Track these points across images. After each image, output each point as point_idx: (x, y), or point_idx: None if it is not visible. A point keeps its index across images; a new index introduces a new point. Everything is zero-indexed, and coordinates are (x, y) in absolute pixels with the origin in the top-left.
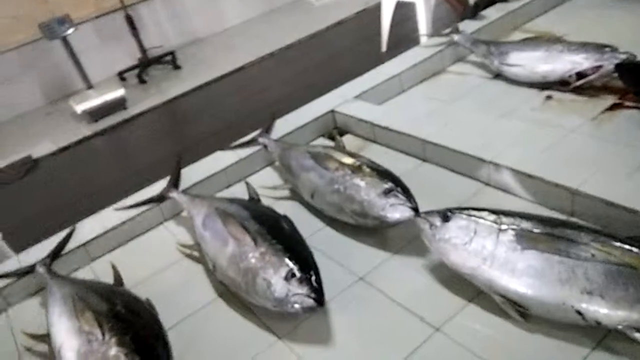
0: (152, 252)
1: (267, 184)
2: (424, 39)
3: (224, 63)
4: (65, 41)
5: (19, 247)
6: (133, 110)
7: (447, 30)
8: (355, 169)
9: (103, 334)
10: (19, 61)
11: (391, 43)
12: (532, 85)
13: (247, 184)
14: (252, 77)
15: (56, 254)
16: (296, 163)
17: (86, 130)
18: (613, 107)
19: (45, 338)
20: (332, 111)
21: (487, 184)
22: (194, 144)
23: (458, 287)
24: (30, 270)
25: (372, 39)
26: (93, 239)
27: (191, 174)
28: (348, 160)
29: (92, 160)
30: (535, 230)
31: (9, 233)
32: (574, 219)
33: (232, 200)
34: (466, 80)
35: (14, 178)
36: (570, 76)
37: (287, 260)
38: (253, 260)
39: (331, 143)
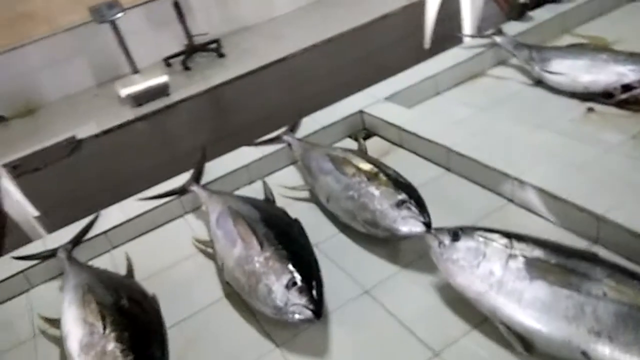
0: (169, 245)
1: (288, 183)
2: (466, 39)
3: (268, 53)
4: (113, 25)
5: (55, 227)
6: (175, 96)
7: (490, 31)
8: (372, 176)
9: (104, 328)
10: (71, 42)
11: (435, 40)
12: (574, 95)
13: (264, 183)
14: (292, 69)
15: (78, 240)
16: (316, 165)
17: (129, 114)
18: None
19: (58, 323)
20: (361, 112)
21: (511, 201)
22: (230, 134)
23: (464, 311)
24: (52, 254)
25: (416, 35)
26: (114, 227)
27: (215, 168)
28: (366, 166)
29: (132, 144)
30: (547, 260)
31: (49, 212)
32: (596, 248)
33: (246, 200)
34: (505, 86)
35: (59, 157)
36: (615, 88)
37: (290, 268)
38: (257, 265)
39: (356, 145)
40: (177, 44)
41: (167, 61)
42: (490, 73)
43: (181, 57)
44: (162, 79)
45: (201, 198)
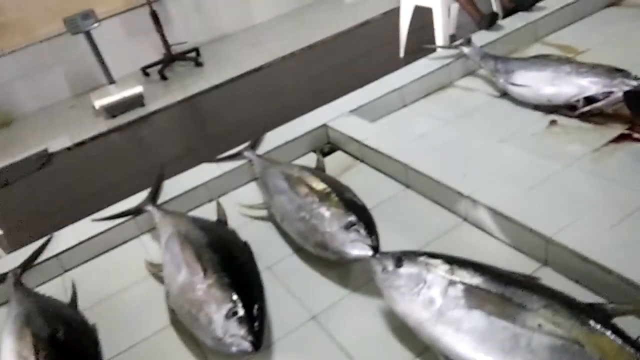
0: (122, 268)
1: (249, 200)
2: (438, 50)
3: (245, 62)
4: (89, 35)
5: (17, 245)
6: (151, 107)
7: (459, 42)
8: (324, 197)
9: None
10: (48, 53)
11: (411, 48)
12: (537, 107)
13: (218, 204)
14: (269, 78)
15: (28, 264)
16: (272, 183)
17: (103, 126)
18: (619, 139)
19: None
20: (325, 125)
21: (465, 220)
22: (201, 145)
23: (408, 338)
24: (1, 279)
25: (394, 43)
26: (66, 250)
27: (175, 185)
28: (319, 186)
29: (104, 156)
30: (486, 288)
31: (14, 229)
32: (545, 270)
33: (197, 222)
34: (471, 97)
35: (29, 172)
36: (577, 100)
37: (231, 297)
38: (200, 293)
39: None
40: (156, 53)
41: (144, 71)
42: (459, 84)
43: (159, 67)
44: (137, 89)
45: (155, 219)
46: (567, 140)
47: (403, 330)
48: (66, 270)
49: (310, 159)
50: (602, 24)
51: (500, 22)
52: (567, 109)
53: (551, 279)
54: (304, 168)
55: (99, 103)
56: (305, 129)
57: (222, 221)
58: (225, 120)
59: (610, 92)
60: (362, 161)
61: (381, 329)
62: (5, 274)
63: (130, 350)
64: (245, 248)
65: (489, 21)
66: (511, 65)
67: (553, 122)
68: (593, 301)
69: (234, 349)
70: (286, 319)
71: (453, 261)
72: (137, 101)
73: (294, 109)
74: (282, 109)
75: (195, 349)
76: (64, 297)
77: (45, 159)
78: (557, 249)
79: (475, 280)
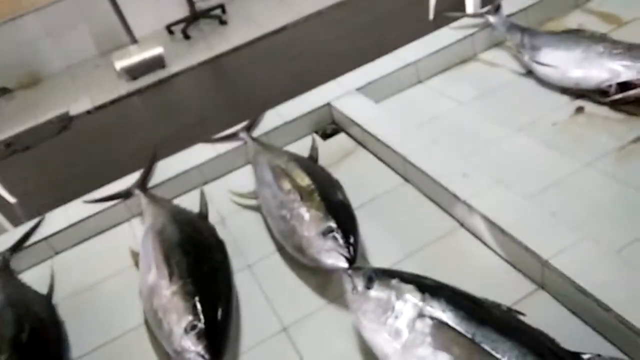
0: (107, 254)
1: (243, 185)
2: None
3: (270, 21)
4: None
5: (30, 216)
6: (173, 68)
7: (486, 9)
8: (306, 195)
9: None
10: (73, 10)
11: (443, 9)
12: (565, 90)
13: (201, 193)
14: (291, 40)
15: (18, 247)
16: (260, 173)
17: (123, 88)
18: None
19: None
20: (329, 105)
21: (462, 225)
22: (216, 113)
23: None
24: None
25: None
26: (56, 233)
27: (168, 167)
28: (303, 181)
29: (121, 122)
30: (456, 327)
31: (29, 197)
32: (542, 294)
33: (176, 215)
34: (494, 74)
35: (49, 135)
36: (609, 86)
37: (191, 309)
38: (164, 300)
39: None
40: (182, 10)
41: (169, 29)
42: (482, 57)
43: (183, 25)
44: (157, 50)
45: (142, 205)
46: (591, 133)
47: (372, 356)
48: (57, 253)
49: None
50: None
51: None
52: (598, 94)
53: (546, 305)
54: (293, 158)
55: (119, 64)
56: (307, 108)
57: (202, 215)
58: (240, 87)
59: None
60: (364, 147)
61: (350, 348)
62: None
63: (98, 351)
64: (219, 248)
65: None
66: (538, 40)
67: (579, 110)
68: (582, 346)
69: None
70: (258, 327)
71: (426, 288)
72: (157, 63)
73: (310, 77)
74: (298, 76)
75: (160, 353)
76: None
77: (65, 122)
78: (554, 274)
79: (446, 315)
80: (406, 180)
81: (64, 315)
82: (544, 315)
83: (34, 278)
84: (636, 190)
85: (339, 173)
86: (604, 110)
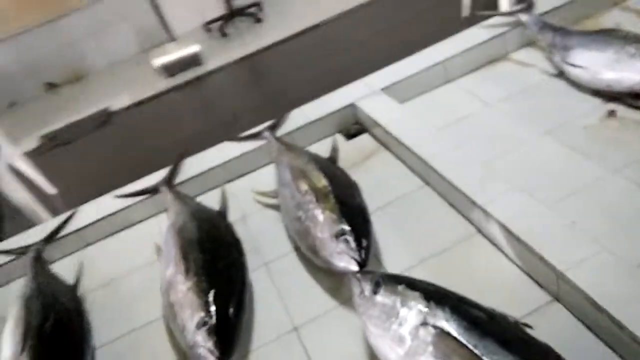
0: (135, 248)
1: (266, 184)
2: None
3: (303, 18)
4: None
5: (72, 205)
6: (208, 66)
7: (518, 7)
8: (322, 197)
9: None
10: (116, 10)
11: (476, 7)
12: (597, 93)
13: (222, 192)
14: (324, 37)
15: (51, 237)
16: (280, 172)
17: (161, 85)
18: None
19: None
20: (353, 105)
21: (479, 231)
22: (248, 110)
23: None
24: (23, 252)
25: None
26: (87, 226)
27: (194, 165)
28: (320, 183)
29: (158, 117)
30: (458, 337)
31: (69, 189)
32: (557, 306)
33: (196, 213)
34: (525, 75)
35: (89, 130)
36: None
37: (204, 305)
38: (180, 295)
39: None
40: (219, 8)
41: (207, 27)
42: (513, 57)
43: (220, 23)
44: (193, 48)
45: (167, 201)
46: (621, 139)
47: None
48: (87, 245)
49: (339, 140)
50: None
51: None
52: (631, 97)
53: (560, 318)
54: (312, 158)
55: (157, 62)
56: (332, 108)
57: (221, 213)
58: (273, 85)
59: None
60: (386, 148)
61: (359, 352)
62: (26, 248)
63: (120, 340)
64: (236, 246)
65: None
66: (570, 40)
67: (611, 113)
68: None
69: (202, 359)
70: (269, 325)
71: (432, 296)
72: (194, 60)
73: (341, 75)
74: (330, 74)
75: (179, 348)
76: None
77: (105, 117)
78: (568, 287)
79: (449, 324)
80: (426, 183)
81: (89, 305)
82: (558, 328)
83: (65, 268)
84: None
85: (359, 174)
86: (638, 115)
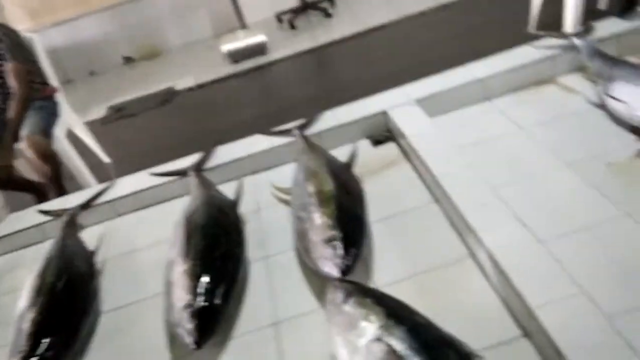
0: (158, 225)
1: (288, 180)
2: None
3: (372, 17)
4: None
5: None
6: (272, 55)
7: (574, 30)
8: (324, 201)
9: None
10: None
11: (548, 21)
12: (635, 130)
13: (239, 184)
14: (389, 38)
15: (87, 204)
16: (297, 171)
17: (225, 70)
18: None
19: None
20: (384, 113)
21: (471, 256)
22: (299, 103)
23: None
24: (59, 214)
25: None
26: (120, 198)
27: (225, 153)
28: (327, 186)
29: (219, 101)
30: (404, 358)
31: (124, 159)
32: (525, 343)
33: (210, 201)
34: (567, 101)
35: (153, 106)
36: None
37: (192, 289)
38: (175, 275)
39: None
40: (294, 0)
41: (279, 17)
42: (561, 81)
43: (291, 15)
44: (260, 38)
45: (191, 185)
46: None
47: None
48: (119, 215)
49: (366, 145)
50: None
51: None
52: None
53: (526, 355)
54: (328, 162)
55: (225, 47)
56: (364, 113)
57: (233, 203)
58: (329, 81)
59: None
60: (407, 159)
61: (326, 357)
62: (64, 211)
63: (126, 308)
64: (237, 238)
65: (625, 5)
66: (615, 71)
67: None
68: None
69: (182, 339)
70: (252, 317)
71: (395, 314)
72: (259, 49)
73: (394, 78)
74: (383, 77)
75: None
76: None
77: (168, 96)
78: (537, 325)
79: (400, 345)
80: (435, 200)
81: (106, 272)
82: None
83: (94, 235)
84: None
85: (374, 182)
86: None
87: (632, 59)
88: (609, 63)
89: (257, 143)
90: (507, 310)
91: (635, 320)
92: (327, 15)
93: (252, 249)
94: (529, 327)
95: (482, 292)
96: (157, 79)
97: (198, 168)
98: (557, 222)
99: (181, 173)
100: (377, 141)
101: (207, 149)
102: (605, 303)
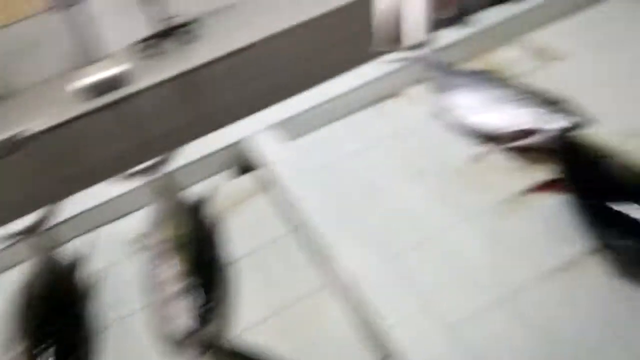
0: None
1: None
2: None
3: (234, 39)
4: (76, 10)
5: None
6: (137, 85)
7: (414, 44)
8: (174, 249)
9: None
10: (36, 30)
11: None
12: (468, 135)
13: (76, 246)
14: (250, 60)
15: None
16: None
17: (82, 107)
18: (543, 187)
19: None
20: (239, 142)
21: (331, 283)
22: (163, 135)
23: None
24: None
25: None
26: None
27: (71, 205)
28: (177, 231)
29: (75, 143)
30: None
31: None
32: None
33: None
34: (411, 113)
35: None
36: (513, 132)
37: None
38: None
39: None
40: (151, 27)
41: (137, 45)
42: (407, 93)
43: (150, 42)
44: (121, 67)
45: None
46: (485, 180)
47: None
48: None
49: (227, 177)
50: (598, 21)
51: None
52: (497, 141)
53: None
54: (175, 204)
55: (82, 82)
56: (221, 144)
57: (72, 267)
58: (200, 108)
59: (542, 128)
60: (265, 188)
61: None
62: None
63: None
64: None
65: (457, 14)
66: (447, 80)
67: (476, 157)
68: None
69: None
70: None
71: None
72: (121, 80)
73: (258, 102)
74: (249, 101)
75: None
76: None
77: (16, 143)
78: (392, 346)
79: None
80: (295, 228)
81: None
82: None
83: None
84: (503, 250)
85: (236, 215)
86: (504, 158)
87: (467, 66)
88: (442, 72)
89: (108, 189)
90: (367, 334)
91: (474, 326)
92: (188, 40)
93: (107, 310)
94: (388, 348)
95: (344, 319)
96: (1, 126)
97: (34, 229)
98: (407, 235)
99: (21, 236)
100: (238, 172)
101: (52, 203)
102: (451, 313)
